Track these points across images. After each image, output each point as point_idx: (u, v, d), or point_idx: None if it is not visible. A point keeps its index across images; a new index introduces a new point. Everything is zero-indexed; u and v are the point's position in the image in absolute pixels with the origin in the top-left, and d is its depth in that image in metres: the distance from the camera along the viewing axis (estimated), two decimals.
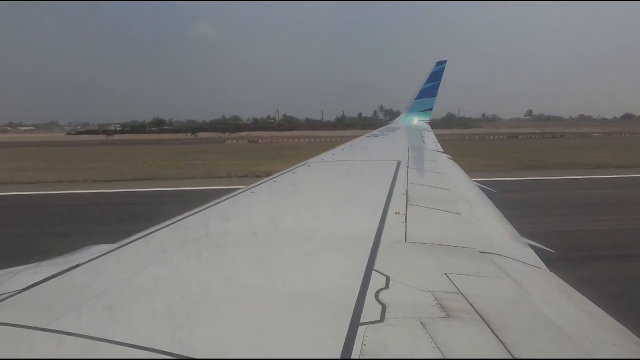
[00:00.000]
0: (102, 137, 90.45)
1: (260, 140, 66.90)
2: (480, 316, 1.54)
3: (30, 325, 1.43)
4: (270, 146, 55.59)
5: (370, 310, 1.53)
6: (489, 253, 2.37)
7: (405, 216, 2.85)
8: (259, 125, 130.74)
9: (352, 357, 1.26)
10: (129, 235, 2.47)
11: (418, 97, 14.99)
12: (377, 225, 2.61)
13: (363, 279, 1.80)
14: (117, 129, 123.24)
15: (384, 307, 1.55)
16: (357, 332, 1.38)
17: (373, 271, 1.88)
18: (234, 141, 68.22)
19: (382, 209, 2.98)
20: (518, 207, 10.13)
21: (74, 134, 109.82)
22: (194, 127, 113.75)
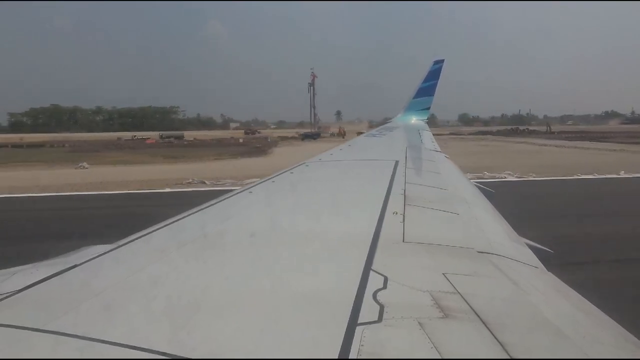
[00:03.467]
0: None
1: None
2: (478, 316, 1.54)
3: (27, 326, 1.43)
4: None
5: (368, 311, 1.53)
6: (487, 253, 2.38)
7: (403, 216, 2.85)
8: None
9: (349, 358, 1.26)
10: None
11: (416, 96, 14.95)
12: (375, 225, 2.61)
13: (361, 279, 1.80)
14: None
15: (381, 307, 1.55)
16: (355, 333, 1.38)
17: (371, 271, 1.88)
18: None
19: (380, 209, 2.98)
20: None
21: None
22: None
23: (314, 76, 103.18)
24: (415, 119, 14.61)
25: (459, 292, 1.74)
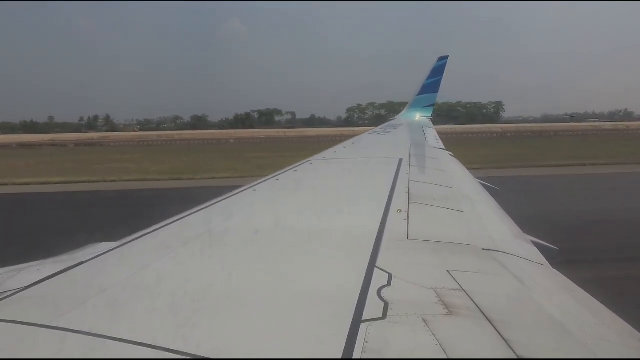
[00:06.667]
0: None
1: None
2: (483, 313, 1.54)
3: (34, 322, 1.44)
4: None
5: (373, 308, 1.53)
6: (492, 250, 2.37)
7: (407, 214, 2.85)
8: None
9: (354, 355, 1.26)
10: None
11: (420, 93, 14.93)
12: (379, 222, 2.61)
13: (365, 276, 1.80)
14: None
15: (386, 304, 1.55)
16: (359, 330, 1.38)
17: (375, 268, 1.88)
18: None
19: (384, 207, 2.98)
20: None
21: None
22: None
23: None
24: (419, 116, 14.57)
25: (463, 289, 1.73)
